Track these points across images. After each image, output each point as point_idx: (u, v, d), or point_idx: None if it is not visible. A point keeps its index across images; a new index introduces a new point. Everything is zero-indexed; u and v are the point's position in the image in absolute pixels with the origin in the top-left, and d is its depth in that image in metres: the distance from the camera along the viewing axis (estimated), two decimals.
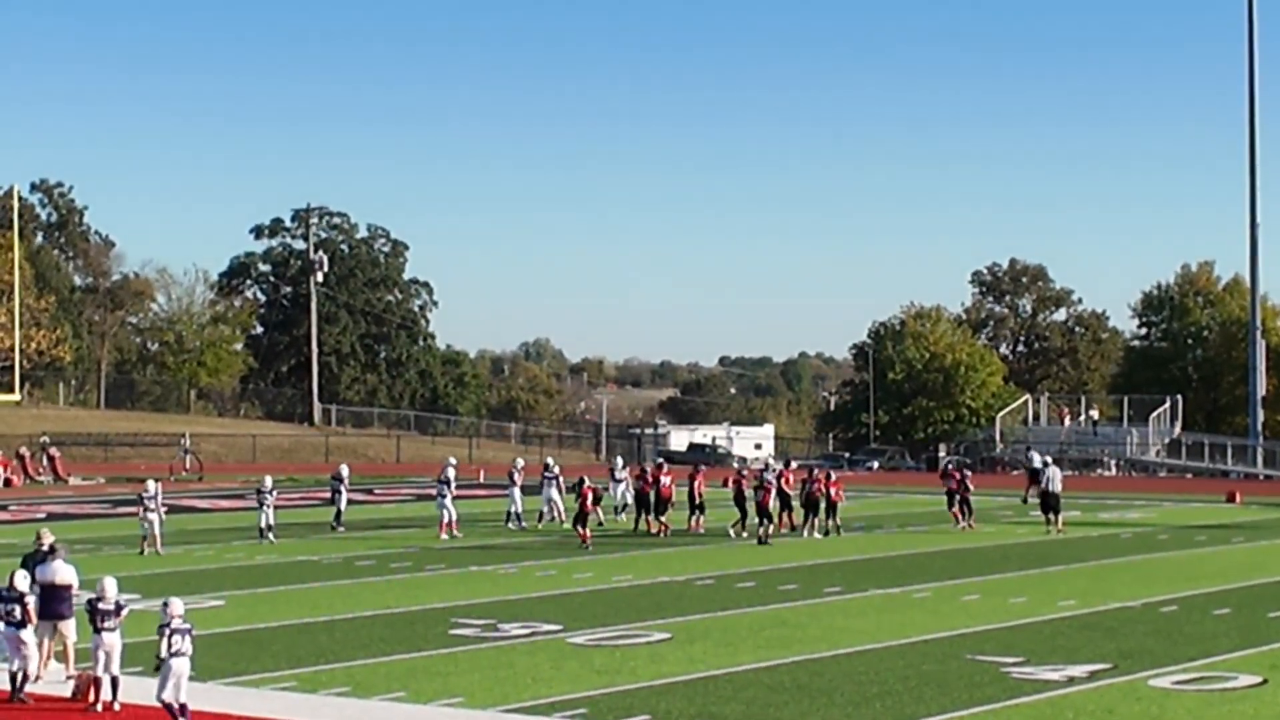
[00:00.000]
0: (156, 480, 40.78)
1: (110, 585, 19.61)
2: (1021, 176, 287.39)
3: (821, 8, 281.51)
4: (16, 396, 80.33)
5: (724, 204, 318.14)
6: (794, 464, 48.88)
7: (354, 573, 33.46)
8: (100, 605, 19.34)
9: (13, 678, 19.45)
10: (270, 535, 40.13)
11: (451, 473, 43.49)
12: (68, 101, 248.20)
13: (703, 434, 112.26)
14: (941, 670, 21.61)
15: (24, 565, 20.76)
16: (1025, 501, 56.28)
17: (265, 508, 40.50)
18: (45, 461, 67.13)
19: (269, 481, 41.66)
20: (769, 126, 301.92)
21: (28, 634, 19.49)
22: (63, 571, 20.94)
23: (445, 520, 41.99)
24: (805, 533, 41.71)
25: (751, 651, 23.20)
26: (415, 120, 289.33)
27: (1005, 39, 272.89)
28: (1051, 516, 43.59)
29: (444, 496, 42.32)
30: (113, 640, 19.22)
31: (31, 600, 19.84)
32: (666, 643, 24.00)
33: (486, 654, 22.95)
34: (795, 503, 42.71)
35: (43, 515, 47.88)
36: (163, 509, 38.36)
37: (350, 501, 45.35)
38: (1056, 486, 44.11)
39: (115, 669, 19.20)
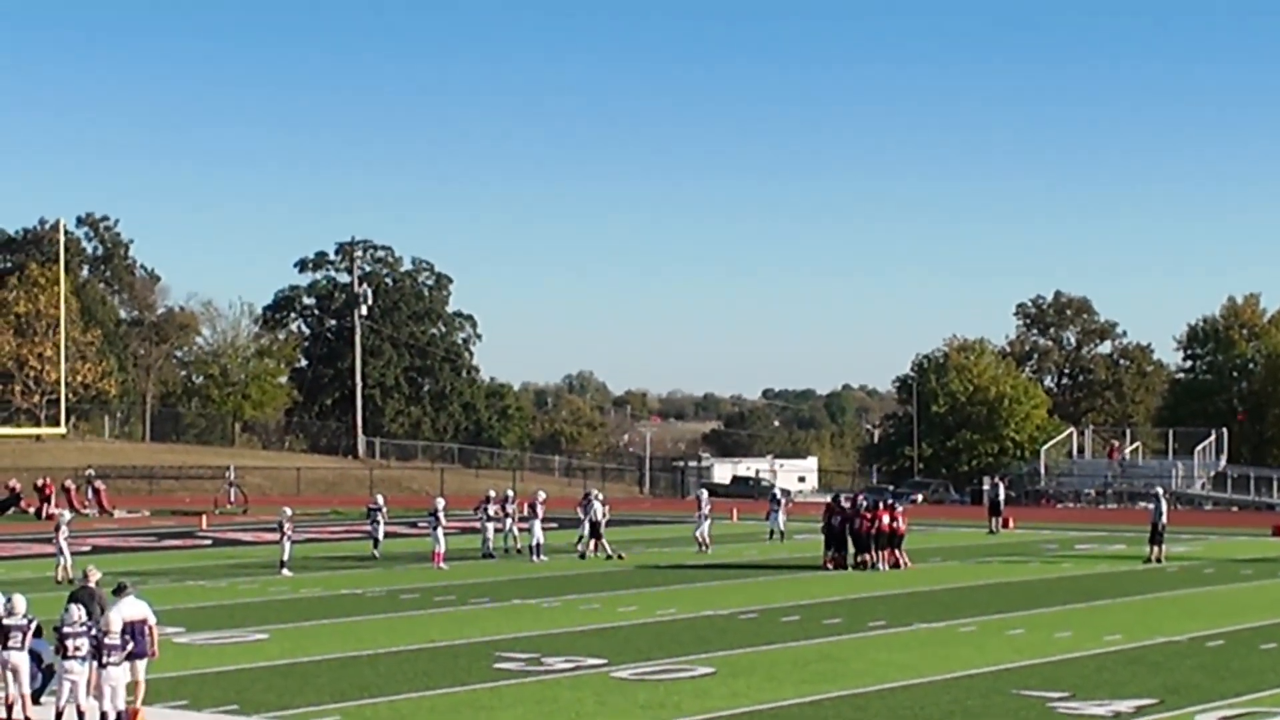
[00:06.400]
0: (72, 513, 45.17)
1: (20, 602, 19.74)
2: (1066, 209, 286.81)
3: (863, 37, 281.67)
4: (63, 429, 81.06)
5: (767, 237, 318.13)
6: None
7: (398, 606, 33.51)
8: (7, 621, 19.46)
9: (58, 714, 19.48)
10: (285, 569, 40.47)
11: (440, 503, 45.24)
12: (113, 136, 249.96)
13: (746, 467, 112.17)
14: (986, 705, 21.51)
15: (73, 600, 20.77)
16: (993, 532, 55.66)
17: (285, 539, 41.09)
18: (90, 494, 67.45)
19: (288, 512, 42.42)
20: (812, 158, 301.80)
21: (80, 667, 19.47)
22: (135, 607, 20.80)
23: (437, 550, 43.00)
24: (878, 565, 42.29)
25: (795, 686, 23.13)
26: (459, 154, 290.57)
27: (1049, 71, 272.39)
28: (1158, 549, 44.99)
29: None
30: (20, 659, 19.40)
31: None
32: (710, 677, 23.95)
33: (530, 688, 22.94)
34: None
35: (88, 548, 48.03)
36: (67, 540, 39.66)
37: (390, 534, 45.91)
38: (1164, 519, 45.66)
39: (26, 688, 19.46)
